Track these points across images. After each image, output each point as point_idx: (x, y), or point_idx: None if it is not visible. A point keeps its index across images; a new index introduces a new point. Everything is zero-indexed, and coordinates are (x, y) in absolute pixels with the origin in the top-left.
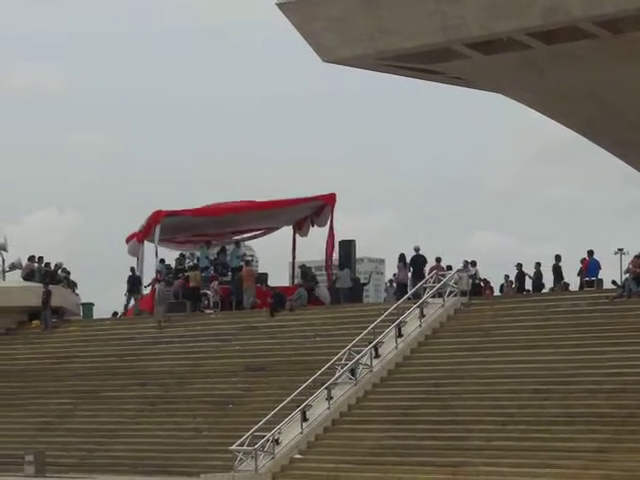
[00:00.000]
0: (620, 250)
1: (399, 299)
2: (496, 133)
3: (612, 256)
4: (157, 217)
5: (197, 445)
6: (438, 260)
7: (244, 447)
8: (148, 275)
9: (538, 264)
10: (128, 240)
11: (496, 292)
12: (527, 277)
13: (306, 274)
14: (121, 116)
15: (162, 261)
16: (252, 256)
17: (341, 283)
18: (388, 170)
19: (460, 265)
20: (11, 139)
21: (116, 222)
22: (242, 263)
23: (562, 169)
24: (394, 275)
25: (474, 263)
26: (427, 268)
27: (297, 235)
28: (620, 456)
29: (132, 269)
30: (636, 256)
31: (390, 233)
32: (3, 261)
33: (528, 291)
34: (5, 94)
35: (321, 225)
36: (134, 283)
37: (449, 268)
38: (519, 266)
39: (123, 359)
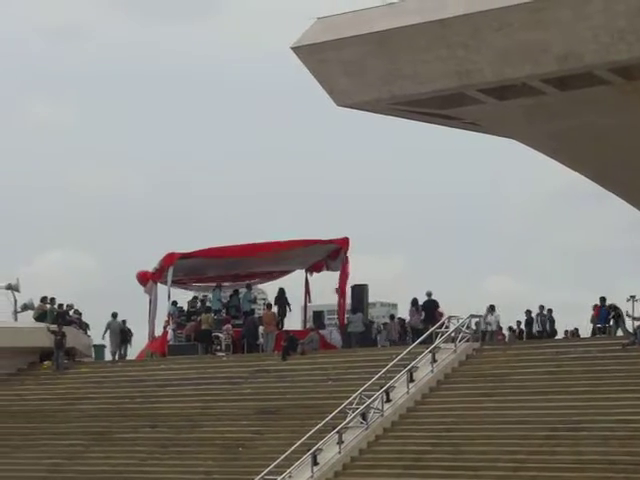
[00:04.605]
0: (632, 297)
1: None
2: (509, 176)
3: (625, 303)
4: (170, 259)
5: None
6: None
7: None
8: (161, 317)
9: (550, 310)
10: (139, 278)
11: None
12: (535, 323)
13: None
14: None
15: (174, 303)
16: (264, 299)
17: (353, 327)
18: (401, 214)
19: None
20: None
21: (129, 263)
22: (253, 306)
23: (576, 213)
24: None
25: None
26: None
27: (309, 279)
28: None
29: (124, 322)
30: None
31: (403, 277)
32: (15, 302)
33: (537, 337)
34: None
35: (335, 269)
36: (124, 335)
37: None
38: (528, 312)
39: (134, 401)
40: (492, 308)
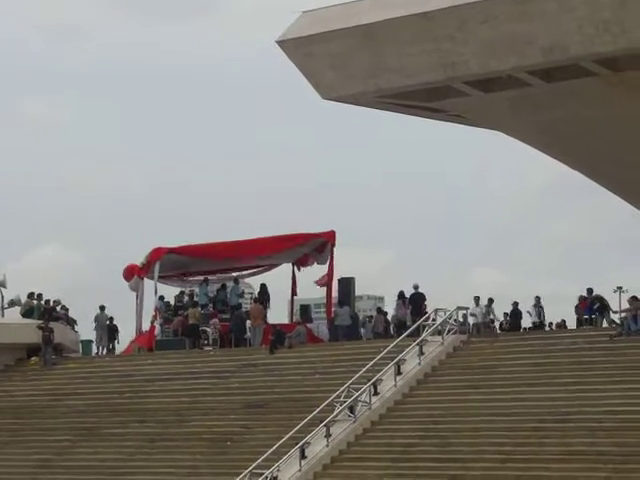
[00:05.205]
0: (619, 288)
1: (396, 336)
2: (497, 169)
3: (612, 294)
4: (157, 254)
5: None
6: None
7: None
8: (148, 312)
9: (538, 300)
10: (126, 273)
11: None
12: (527, 313)
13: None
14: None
15: (161, 298)
16: (251, 293)
17: (340, 320)
18: (388, 207)
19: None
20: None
21: (118, 259)
22: (240, 300)
23: (564, 205)
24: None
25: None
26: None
27: (296, 272)
28: None
29: (111, 319)
30: (633, 297)
31: (390, 270)
32: (2, 298)
33: (524, 329)
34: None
35: (323, 263)
36: (111, 332)
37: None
38: (515, 304)
39: (122, 396)
40: (478, 300)
